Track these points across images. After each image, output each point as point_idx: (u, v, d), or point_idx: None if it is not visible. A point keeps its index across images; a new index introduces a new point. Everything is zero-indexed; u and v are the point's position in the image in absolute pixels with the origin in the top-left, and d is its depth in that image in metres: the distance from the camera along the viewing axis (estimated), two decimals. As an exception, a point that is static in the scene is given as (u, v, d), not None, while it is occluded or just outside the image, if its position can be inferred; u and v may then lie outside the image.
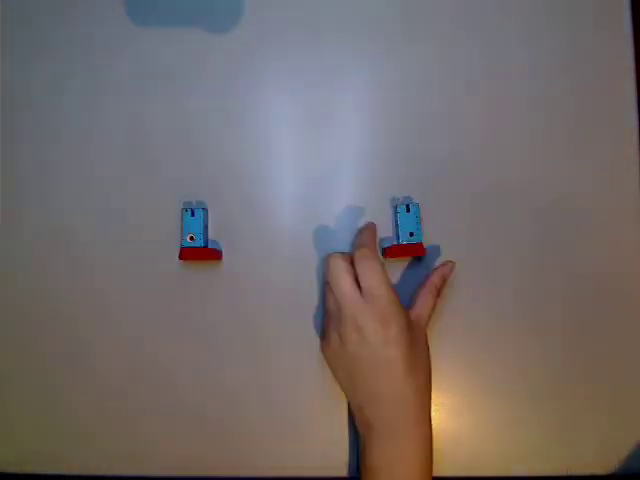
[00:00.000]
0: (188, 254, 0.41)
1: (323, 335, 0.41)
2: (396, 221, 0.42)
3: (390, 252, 0.42)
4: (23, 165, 0.44)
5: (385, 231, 0.44)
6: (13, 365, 0.43)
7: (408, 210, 0.42)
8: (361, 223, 0.44)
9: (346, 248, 0.43)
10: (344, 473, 0.42)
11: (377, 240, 0.42)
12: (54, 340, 0.43)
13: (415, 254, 0.42)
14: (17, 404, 0.43)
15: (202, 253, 0.42)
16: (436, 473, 0.41)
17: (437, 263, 0.43)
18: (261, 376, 0.43)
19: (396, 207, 0.42)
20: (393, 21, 0.46)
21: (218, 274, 0.43)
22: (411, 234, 0.41)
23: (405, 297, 0.41)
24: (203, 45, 0.45)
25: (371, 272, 0.37)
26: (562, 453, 0.42)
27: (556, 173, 0.44)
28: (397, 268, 0.43)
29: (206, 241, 0.42)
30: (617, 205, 0.44)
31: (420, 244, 0.41)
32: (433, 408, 0.42)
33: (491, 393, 0.42)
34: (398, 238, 0.42)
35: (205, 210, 0.42)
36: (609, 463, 0.42)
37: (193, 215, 0.42)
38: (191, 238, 0.41)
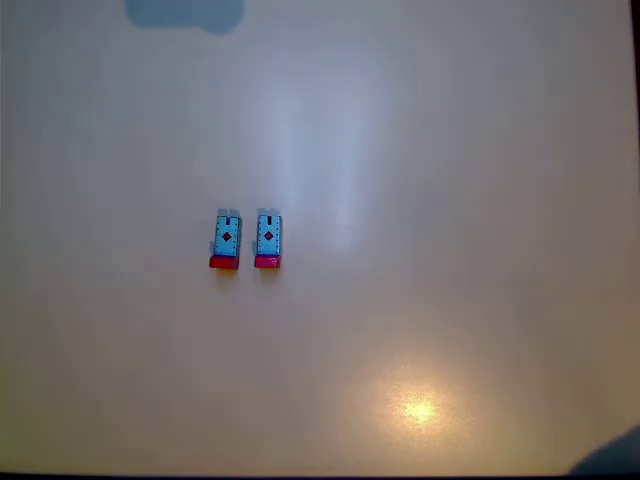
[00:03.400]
0: (218, 263, 0.42)
1: None
2: (257, 232, 0.43)
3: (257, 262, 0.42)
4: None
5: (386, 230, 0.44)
6: (15, 365, 0.43)
7: (269, 222, 0.42)
8: (361, 221, 0.44)
9: (344, 248, 0.43)
10: (345, 473, 0.42)
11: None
12: (57, 340, 0.43)
13: (269, 266, 0.42)
14: (17, 404, 0.43)
15: (230, 262, 0.42)
16: (436, 473, 0.42)
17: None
18: (261, 376, 0.43)
19: (259, 217, 0.43)
20: (392, 19, 0.46)
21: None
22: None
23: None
24: (202, 46, 0.45)
25: None
26: (561, 453, 0.42)
27: (556, 173, 0.44)
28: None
29: (237, 251, 0.43)
30: (617, 205, 0.44)
31: (274, 256, 0.42)
32: (433, 408, 0.42)
33: (490, 394, 0.42)
34: (257, 248, 0.42)
35: (240, 220, 0.43)
36: (607, 463, 0.42)
37: (228, 223, 0.42)
38: (226, 235, 0.42)
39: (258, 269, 0.43)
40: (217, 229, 0.42)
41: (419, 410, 0.42)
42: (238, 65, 0.45)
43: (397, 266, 0.43)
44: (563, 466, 0.42)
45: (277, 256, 0.42)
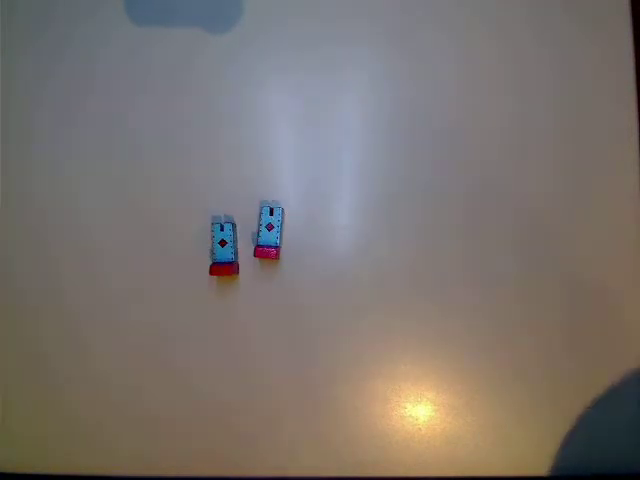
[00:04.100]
0: (217, 271, 0.42)
1: None
2: (259, 222, 0.43)
3: (257, 252, 0.42)
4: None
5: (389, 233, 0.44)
6: (15, 364, 0.43)
7: (272, 213, 0.42)
8: (361, 221, 0.44)
9: (344, 247, 0.44)
10: (345, 473, 0.42)
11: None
12: (59, 340, 0.43)
13: (268, 256, 0.42)
14: (18, 404, 0.43)
15: (230, 268, 0.42)
16: (436, 473, 0.42)
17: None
18: (261, 376, 0.43)
19: (261, 208, 0.42)
20: (393, 18, 0.46)
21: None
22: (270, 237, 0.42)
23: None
24: (202, 47, 0.45)
25: None
26: (560, 453, 0.42)
27: (555, 174, 0.44)
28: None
29: (235, 255, 0.43)
30: (617, 205, 0.44)
31: (274, 247, 0.42)
32: (433, 408, 0.42)
33: (490, 393, 0.42)
34: (257, 239, 0.42)
35: (234, 225, 0.43)
36: (607, 463, 0.42)
37: (222, 229, 0.42)
38: (222, 242, 0.42)
39: (258, 260, 0.43)
40: (212, 237, 0.42)
41: (419, 410, 0.42)
42: (237, 65, 0.45)
43: (397, 266, 0.43)
44: (563, 466, 0.42)
45: (277, 247, 0.42)
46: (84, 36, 0.45)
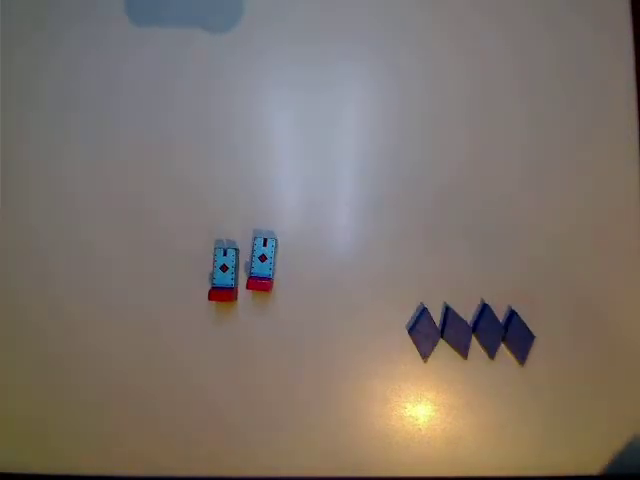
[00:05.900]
0: (216, 296, 0.41)
1: None
2: (252, 252, 0.42)
3: (250, 284, 0.41)
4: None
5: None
6: (15, 365, 0.43)
7: (265, 244, 0.41)
8: (360, 222, 0.44)
9: (343, 248, 0.44)
10: (345, 473, 0.42)
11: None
12: (59, 341, 0.43)
13: (261, 289, 0.41)
14: (18, 404, 0.43)
15: (229, 294, 0.41)
16: (436, 473, 0.42)
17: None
18: (262, 377, 0.43)
19: (254, 239, 0.42)
20: (396, 17, 0.46)
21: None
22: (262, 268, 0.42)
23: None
24: (202, 46, 0.45)
25: None
26: (561, 453, 0.42)
27: (556, 174, 0.44)
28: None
29: (235, 281, 0.42)
30: (617, 206, 0.44)
31: (267, 279, 0.41)
32: (433, 408, 0.42)
33: (491, 394, 0.42)
34: (251, 269, 0.42)
35: (237, 250, 0.42)
36: (607, 463, 0.42)
37: (225, 254, 0.42)
38: (224, 267, 0.42)
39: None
40: (214, 261, 0.41)
41: (419, 410, 0.42)
42: (236, 65, 0.45)
43: (396, 266, 0.43)
44: (564, 466, 0.42)
45: (270, 279, 0.41)
46: (84, 36, 0.45)
